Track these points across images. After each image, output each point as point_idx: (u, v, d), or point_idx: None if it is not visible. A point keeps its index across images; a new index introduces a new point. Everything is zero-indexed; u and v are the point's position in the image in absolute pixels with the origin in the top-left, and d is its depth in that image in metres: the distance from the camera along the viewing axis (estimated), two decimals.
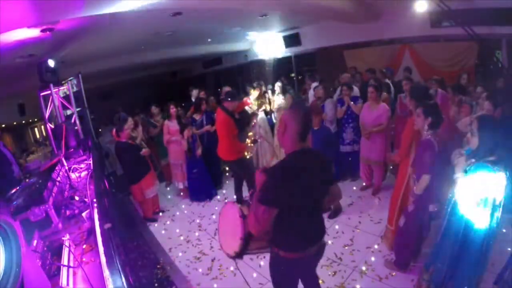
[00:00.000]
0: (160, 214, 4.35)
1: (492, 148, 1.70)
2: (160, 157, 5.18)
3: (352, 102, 4.09)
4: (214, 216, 4.00)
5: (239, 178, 4.07)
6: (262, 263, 2.91)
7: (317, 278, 2.00)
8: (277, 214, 1.48)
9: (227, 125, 3.69)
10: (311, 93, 4.99)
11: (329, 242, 3.11)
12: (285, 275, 1.75)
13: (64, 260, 1.50)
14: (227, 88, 5.16)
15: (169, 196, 4.93)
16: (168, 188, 5.23)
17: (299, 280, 1.87)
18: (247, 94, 5.48)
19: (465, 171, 1.78)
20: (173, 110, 4.57)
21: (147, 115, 5.41)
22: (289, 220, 1.55)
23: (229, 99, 3.74)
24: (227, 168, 5.18)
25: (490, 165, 1.66)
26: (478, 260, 1.82)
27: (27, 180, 2.47)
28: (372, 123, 3.72)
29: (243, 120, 4.34)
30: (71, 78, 4.90)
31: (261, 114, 5.28)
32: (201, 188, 4.54)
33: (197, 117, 4.67)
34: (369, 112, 3.77)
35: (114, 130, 3.91)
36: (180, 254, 3.33)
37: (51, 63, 3.91)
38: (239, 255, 1.72)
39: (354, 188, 4.21)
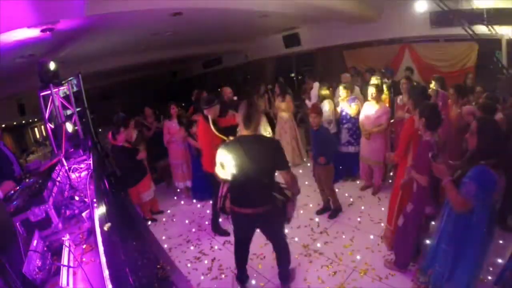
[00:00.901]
0: (161, 214, 4.34)
1: (492, 150, 1.69)
2: (156, 158, 5.16)
3: (348, 103, 4.08)
4: None
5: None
6: (261, 263, 2.91)
7: (282, 241, 2.43)
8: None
9: (205, 134, 3.29)
10: (314, 93, 4.97)
11: (329, 242, 3.12)
12: (236, 226, 2.31)
13: (64, 260, 1.50)
14: (227, 89, 5.14)
15: (170, 196, 4.92)
16: (169, 188, 5.22)
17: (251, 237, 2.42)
18: (248, 94, 5.48)
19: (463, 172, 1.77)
20: (173, 110, 4.53)
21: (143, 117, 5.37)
22: (235, 182, 2.11)
23: (206, 106, 3.20)
24: None
25: (489, 168, 1.65)
26: (476, 262, 1.82)
27: (27, 180, 2.46)
28: (372, 123, 3.72)
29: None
30: (71, 78, 4.89)
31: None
32: (205, 187, 4.53)
33: (196, 117, 4.66)
34: (369, 112, 3.77)
35: (110, 133, 3.85)
36: (180, 254, 3.33)
37: (52, 65, 3.91)
38: (221, 210, 2.33)
39: (354, 188, 4.21)
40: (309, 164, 5.21)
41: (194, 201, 4.58)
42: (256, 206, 2.11)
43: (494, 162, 1.65)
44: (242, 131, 2.09)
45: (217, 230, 3.56)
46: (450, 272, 1.87)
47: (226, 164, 2.09)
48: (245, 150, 2.01)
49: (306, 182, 4.58)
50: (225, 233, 3.49)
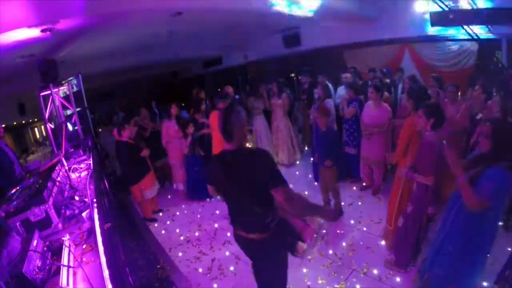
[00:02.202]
0: (160, 214, 4.35)
1: (507, 152, 1.66)
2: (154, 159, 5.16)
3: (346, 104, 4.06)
4: (214, 216, 4.00)
5: None
6: None
7: (261, 278, 1.95)
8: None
9: None
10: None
11: (329, 242, 3.11)
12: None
13: (64, 260, 1.50)
14: (228, 89, 5.15)
15: (169, 196, 4.93)
16: (168, 189, 5.22)
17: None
18: (247, 94, 5.49)
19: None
20: (174, 110, 4.53)
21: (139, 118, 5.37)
22: (226, 201, 1.83)
23: (223, 99, 3.67)
24: None
25: (506, 170, 1.62)
26: (484, 263, 1.78)
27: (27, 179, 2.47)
28: (373, 124, 3.72)
29: None
30: (71, 78, 4.90)
31: (259, 117, 5.30)
32: (201, 187, 4.53)
33: (198, 117, 4.66)
34: (370, 113, 3.76)
35: (115, 130, 3.91)
36: (180, 254, 3.33)
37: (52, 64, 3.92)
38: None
39: (354, 188, 4.21)
40: (300, 163, 5.22)
41: (188, 201, 4.58)
42: (248, 231, 1.76)
43: (508, 164, 1.63)
44: (223, 145, 1.72)
45: None
46: (456, 274, 1.82)
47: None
48: (225, 171, 1.66)
49: (305, 179, 4.59)
50: None
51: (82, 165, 3.34)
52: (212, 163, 1.81)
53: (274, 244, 1.75)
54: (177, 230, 3.83)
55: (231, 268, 2.93)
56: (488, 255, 1.82)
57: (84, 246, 1.71)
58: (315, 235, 1.79)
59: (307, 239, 1.76)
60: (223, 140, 1.71)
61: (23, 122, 9.97)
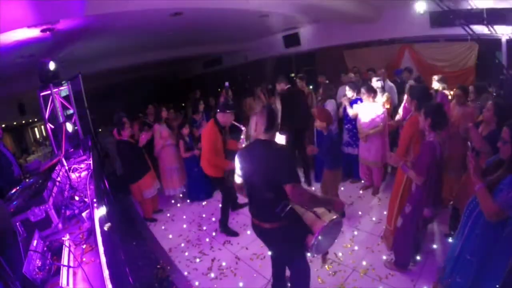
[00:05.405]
0: (160, 213, 4.35)
1: None
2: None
3: (349, 104, 4.05)
4: (214, 216, 4.00)
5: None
6: (261, 263, 2.91)
7: (296, 270, 2.06)
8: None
9: (211, 137, 3.26)
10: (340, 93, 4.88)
11: None
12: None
13: (64, 260, 1.50)
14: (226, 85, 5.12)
15: (168, 196, 4.92)
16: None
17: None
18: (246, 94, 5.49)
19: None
20: (164, 113, 4.43)
21: (144, 115, 5.35)
22: (246, 190, 1.97)
23: (224, 110, 3.28)
24: None
25: None
26: (504, 275, 1.69)
27: (27, 180, 2.47)
28: (368, 125, 3.71)
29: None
30: (71, 78, 4.89)
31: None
32: (201, 187, 4.53)
33: (196, 117, 4.66)
34: (364, 114, 3.76)
35: (115, 130, 3.91)
36: (180, 254, 3.33)
37: (52, 65, 3.90)
38: None
39: (354, 188, 4.21)
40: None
41: (188, 201, 4.58)
42: (261, 220, 1.91)
43: None
44: (259, 135, 1.88)
45: (227, 230, 3.54)
46: (475, 283, 1.75)
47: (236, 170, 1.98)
48: (251, 157, 1.87)
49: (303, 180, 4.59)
50: (234, 234, 3.49)
51: (82, 165, 3.34)
52: (242, 148, 2.08)
53: (287, 235, 1.84)
54: (177, 230, 3.83)
55: (231, 268, 2.93)
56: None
57: (84, 246, 1.70)
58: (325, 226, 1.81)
59: (316, 232, 1.81)
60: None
61: (23, 122, 9.99)
